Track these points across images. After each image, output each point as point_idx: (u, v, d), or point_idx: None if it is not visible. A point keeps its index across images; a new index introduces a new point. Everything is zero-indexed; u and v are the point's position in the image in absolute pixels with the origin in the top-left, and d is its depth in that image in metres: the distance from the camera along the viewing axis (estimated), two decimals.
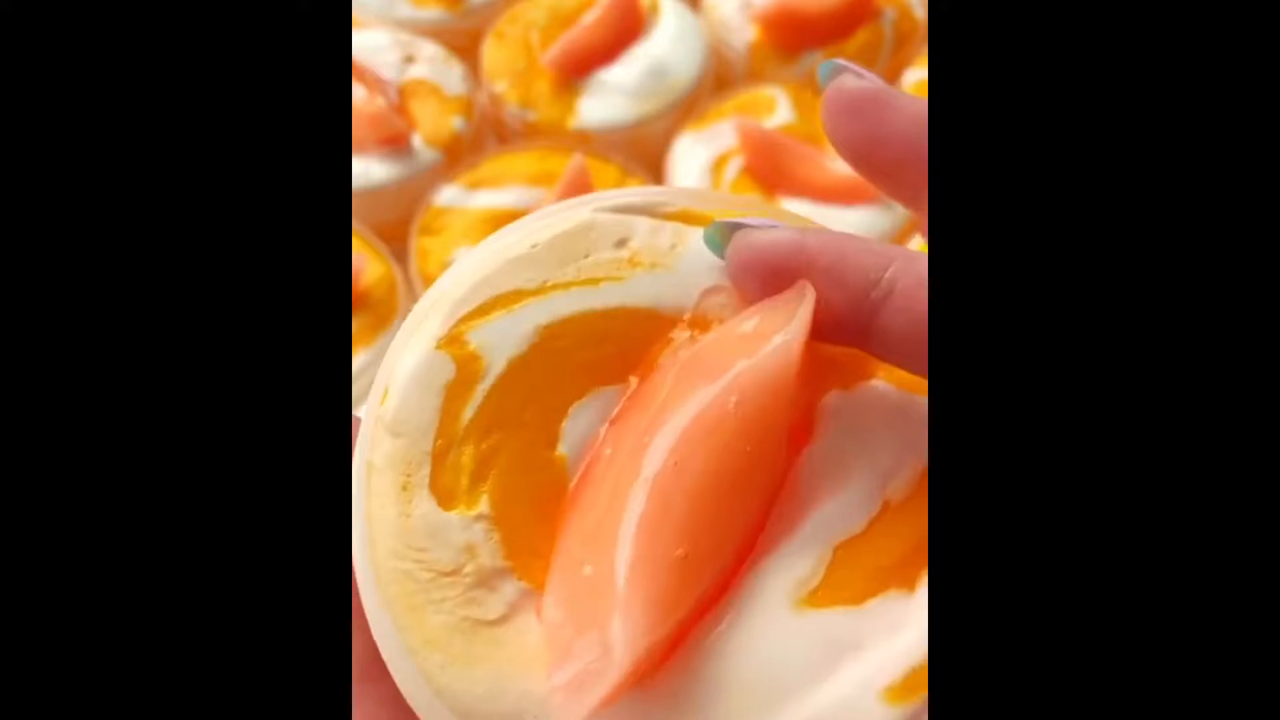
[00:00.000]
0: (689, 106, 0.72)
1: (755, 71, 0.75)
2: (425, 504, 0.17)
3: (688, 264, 0.18)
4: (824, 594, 0.18)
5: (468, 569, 0.17)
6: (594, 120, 0.70)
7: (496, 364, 0.17)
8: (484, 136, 0.74)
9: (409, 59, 0.72)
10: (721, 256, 0.18)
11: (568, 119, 0.71)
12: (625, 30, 0.73)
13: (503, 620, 0.17)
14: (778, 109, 0.71)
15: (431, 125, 0.69)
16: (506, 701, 0.17)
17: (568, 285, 0.18)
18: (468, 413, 0.17)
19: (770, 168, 0.67)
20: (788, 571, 0.17)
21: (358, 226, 0.64)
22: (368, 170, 0.66)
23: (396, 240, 0.65)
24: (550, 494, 0.17)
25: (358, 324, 0.59)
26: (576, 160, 0.64)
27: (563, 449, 0.18)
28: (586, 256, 0.18)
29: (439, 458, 0.17)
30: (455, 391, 0.17)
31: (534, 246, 0.18)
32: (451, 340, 0.17)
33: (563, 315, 0.18)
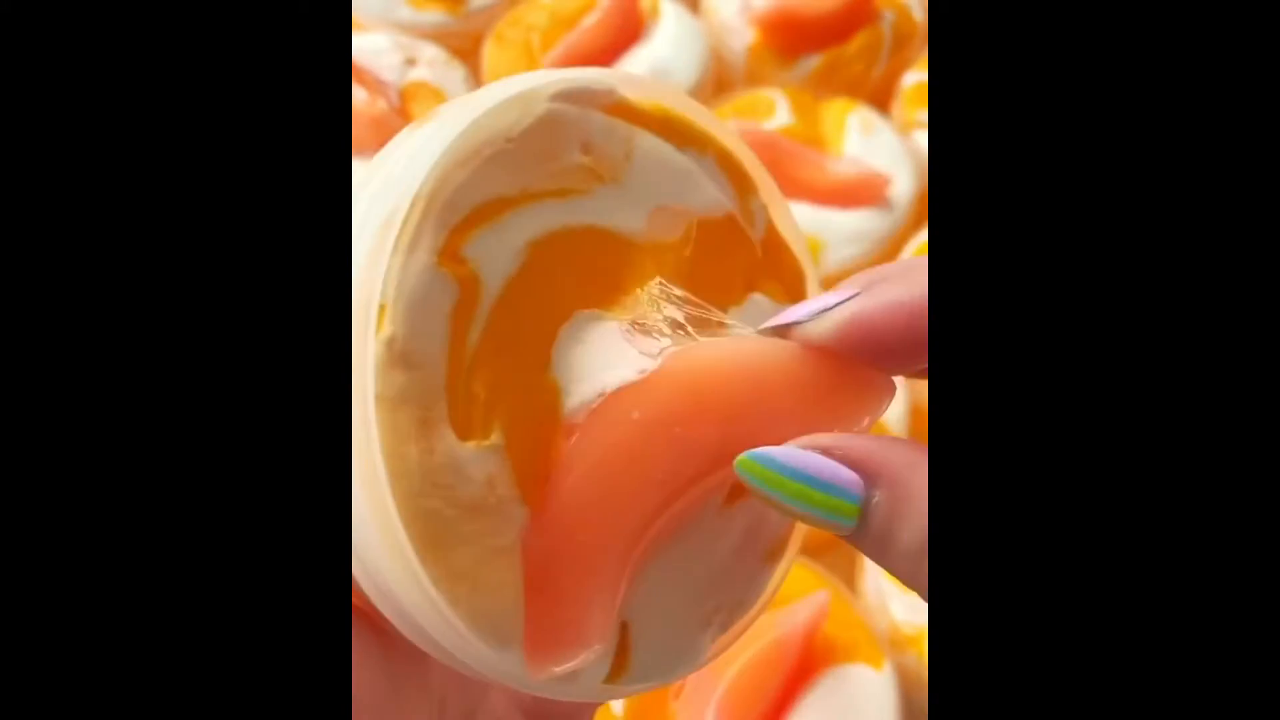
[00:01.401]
0: None
1: (754, 74, 0.75)
2: (448, 438, 0.16)
3: (638, 178, 0.18)
4: (738, 489, 0.19)
5: (490, 500, 0.17)
6: None
7: (493, 283, 0.17)
8: None
9: (410, 61, 0.72)
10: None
11: None
12: (625, 33, 0.73)
13: (514, 545, 0.17)
14: (777, 111, 0.71)
15: None
16: (520, 618, 0.17)
17: (543, 196, 0.17)
18: (473, 337, 0.16)
19: (769, 169, 0.67)
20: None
21: None
22: None
23: None
24: (547, 417, 0.17)
25: None
26: None
27: (553, 373, 0.17)
28: (553, 161, 0.17)
29: (453, 388, 0.16)
30: (460, 315, 0.16)
31: (508, 141, 0.17)
32: (449, 256, 0.16)
33: (545, 230, 0.17)
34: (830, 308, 0.19)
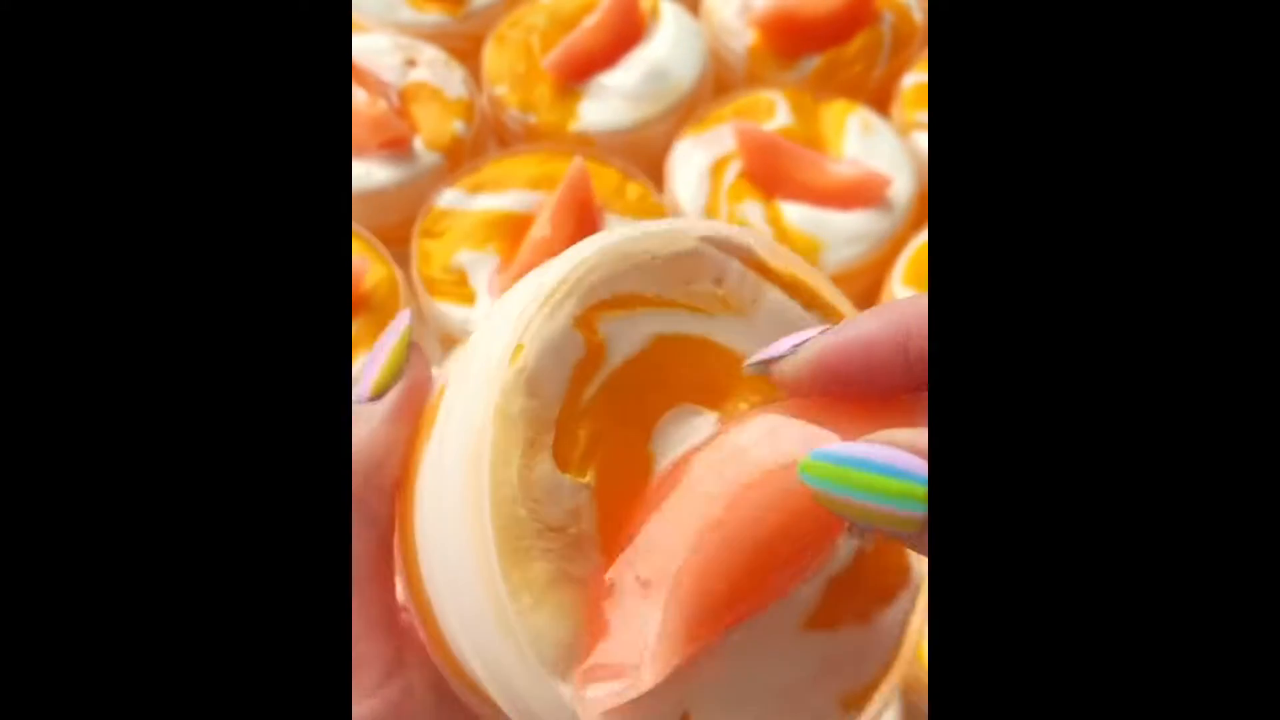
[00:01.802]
0: (689, 110, 0.73)
1: (754, 75, 0.75)
2: (547, 463, 0.19)
3: (763, 321, 0.21)
4: (821, 618, 0.21)
5: (571, 530, 0.19)
6: (594, 124, 0.71)
7: (616, 356, 0.20)
8: (485, 140, 0.74)
9: (410, 62, 0.72)
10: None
11: (568, 122, 0.71)
12: (625, 34, 0.73)
13: (586, 582, 0.19)
14: (777, 112, 0.71)
15: (433, 128, 0.69)
16: (579, 654, 0.19)
17: (675, 305, 0.20)
18: (589, 392, 0.19)
19: (769, 171, 0.67)
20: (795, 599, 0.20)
21: (360, 229, 0.64)
22: (369, 173, 0.66)
23: (398, 243, 0.65)
24: (638, 483, 0.20)
25: (360, 325, 0.59)
26: (577, 163, 0.64)
27: (651, 446, 0.20)
28: (689, 284, 0.21)
29: (562, 426, 0.19)
30: (582, 371, 0.19)
31: (653, 258, 0.20)
32: (585, 323, 0.19)
33: (671, 331, 0.20)
34: (802, 343, 0.20)
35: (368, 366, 0.22)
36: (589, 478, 0.19)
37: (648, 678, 0.18)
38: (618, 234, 0.20)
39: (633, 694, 0.18)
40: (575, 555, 0.19)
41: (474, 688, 0.21)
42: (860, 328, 0.20)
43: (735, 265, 0.21)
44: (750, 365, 0.20)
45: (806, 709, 0.21)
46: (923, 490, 0.17)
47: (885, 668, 0.22)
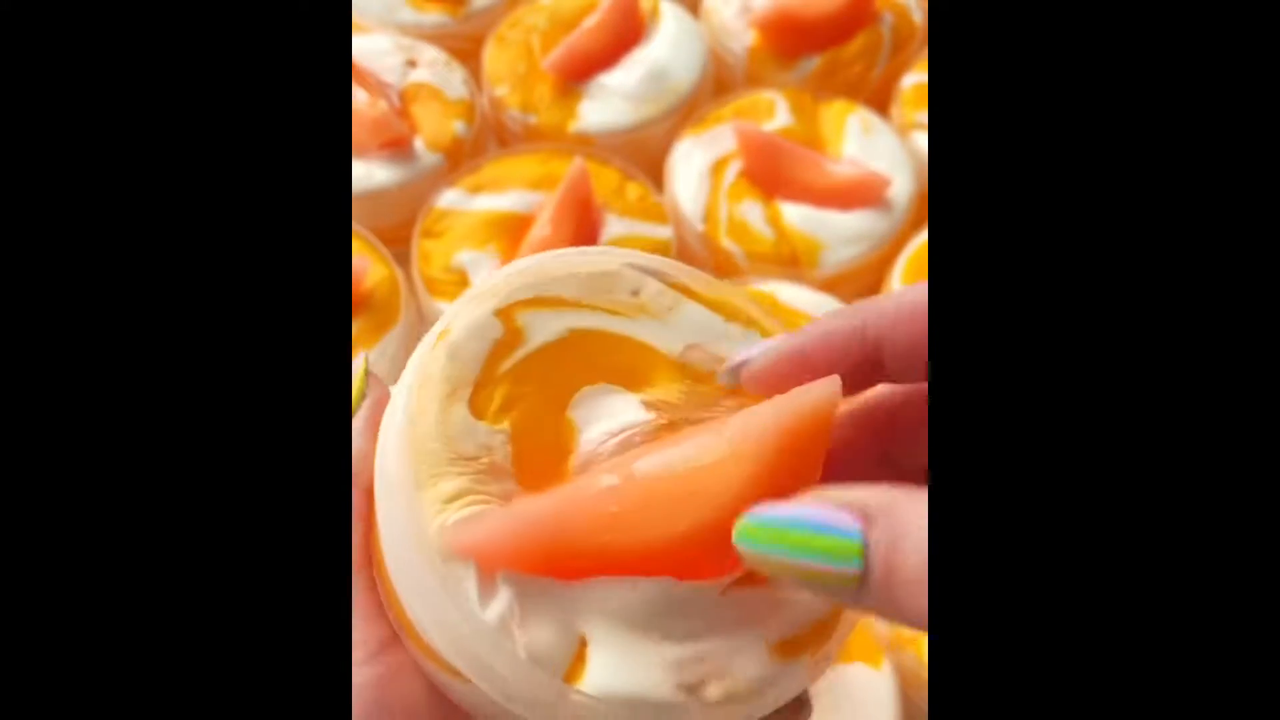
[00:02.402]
0: (689, 110, 0.73)
1: (754, 76, 0.75)
2: (462, 410, 0.22)
3: (679, 322, 0.24)
4: (741, 582, 0.22)
5: (483, 460, 0.22)
6: (594, 124, 0.71)
7: (533, 341, 0.23)
8: (485, 140, 0.74)
9: (410, 63, 0.72)
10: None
11: (568, 123, 0.71)
12: (625, 35, 0.73)
13: (497, 496, 0.22)
14: (776, 113, 0.71)
15: (433, 129, 0.69)
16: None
17: (594, 308, 0.23)
18: (505, 365, 0.23)
19: (769, 171, 0.67)
20: None
21: (360, 229, 0.64)
22: (370, 173, 0.66)
23: (399, 243, 0.65)
24: (557, 441, 0.23)
25: (361, 325, 0.60)
26: (577, 164, 0.64)
27: (571, 414, 0.23)
28: (609, 293, 0.24)
29: (479, 386, 0.22)
30: (499, 348, 0.23)
31: (574, 275, 0.23)
32: (505, 313, 0.23)
33: (588, 326, 0.23)
34: (767, 347, 0.23)
35: None
36: (504, 426, 0.22)
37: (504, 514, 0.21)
38: (549, 254, 0.24)
39: (485, 518, 0.21)
40: (487, 479, 0.21)
41: (430, 654, 0.22)
42: (819, 324, 0.22)
43: (654, 282, 0.24)
44: (722, 375, 0.23)
45: (722, 646, 0.21)
46: (858, 546, 0.18)
47: (824, 617, 0.22)
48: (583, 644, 0.21)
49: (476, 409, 0.22)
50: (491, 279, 0.24)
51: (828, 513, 0.18)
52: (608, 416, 0.23)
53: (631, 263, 0.24)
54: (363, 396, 0.25)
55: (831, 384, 0.21)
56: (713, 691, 0.21)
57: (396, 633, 0.23)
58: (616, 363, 0.23)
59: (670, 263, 0.25)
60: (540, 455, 0.22)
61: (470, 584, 0.20)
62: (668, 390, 0.23)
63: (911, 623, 0.18)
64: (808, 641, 0.22)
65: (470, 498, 0.21)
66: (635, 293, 0.24)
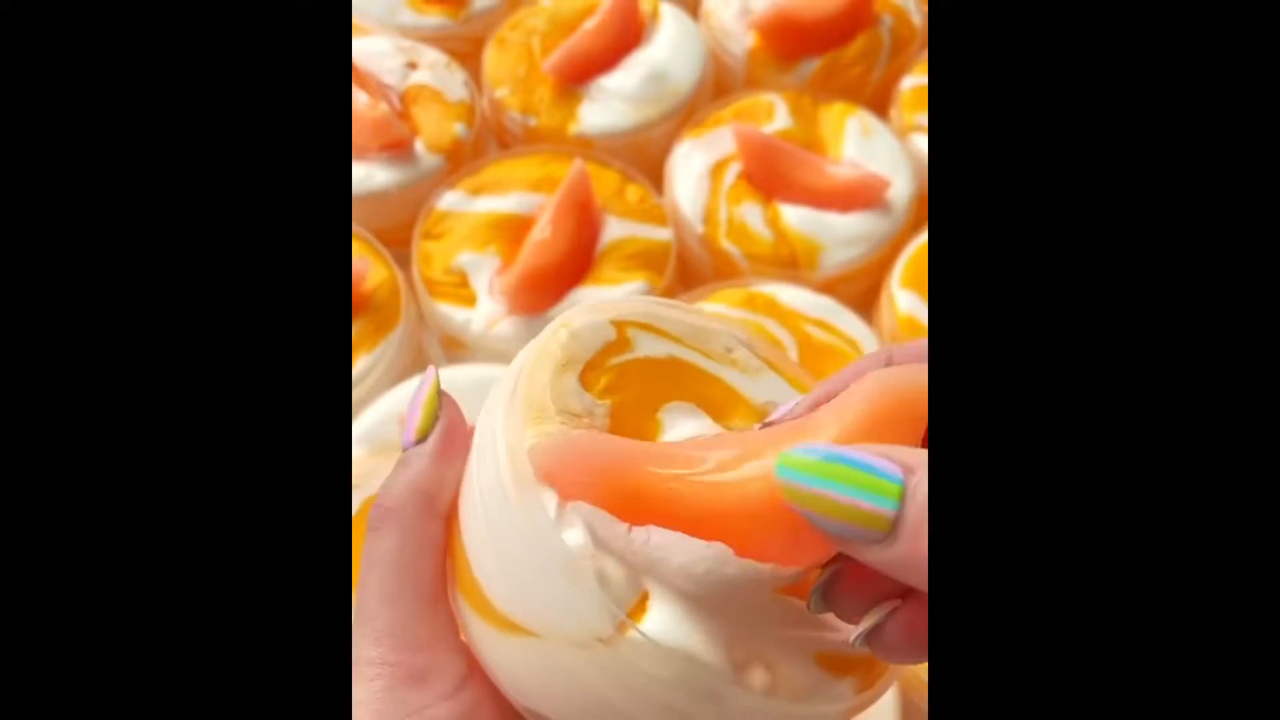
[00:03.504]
0: (688, 112, 0.73)
1: (754, 78, 0.76)
2: (573, 379, 0.24)
3: (761, 381, 0.27)
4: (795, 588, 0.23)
5: (583, 420, 0.24)
6: (594, 126, 0.71)
7: (638, 351, 0.25)
8: (485, 142, 0.74)
9: (411, 65, 0.72)
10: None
11: (568, 125, 0.71)
12: (625, 37, 0.73)
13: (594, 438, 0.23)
14: (776, 115, 0.71)
15: (434, 131, 0.69)
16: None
17: (694, 347, 0.26)
18: (613, 360, 0.25)
19: (768, 173, 0.67)
20: None
21: (361, 231, 0.64)
22: (371, 175, 0.66)
23: (399, 244, 0.65)
24: (645, 432, 0.25)
25: (362, 326, 0.60)
26: (577, 166, 0.64)
27: (660, 416, 0.25)
28: (708, 342, 0.27)
29: (590, 367, 0.24)
30: (611, 347, 0.25)
31: (681, 320, 0.26)
32: (619, 324, 0.25)
33: (687, 358, 0.26)
34: (804, 397, 0.24)
35: (409, 415, 0.25)
36: (606, 401, 0.24)
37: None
38: (662, 300, 0.27)
39: (570, 439, 0.22)
40: (584, 428, 0.23)
41: (487, 610, 0.23)
42: (850, 365, 0.23)
43: (744, 350, 0.27)
44: (763, 424, 0.25)
45: (771, 639, 0.22)
46: (897, 489, 0.18)
47: (866, 657, 0.23)
48: (644, 595, 0.21)
49: (585, 383, 0.24)
50: (608, 301, 0.27)
51: (872, 456, 0.19)
52: (691, 429, 0.25)
53: (731, 331, 0.27)
54: (435, 418, 0.25)
55: (918, 371, 0.21)
56: (758, 679, 0.21)
57: (470, 661, 0.23)
58: (705, 393, 0.26)
59: (762, 341, 0.28)
60: (630, 435, 0.24)
61: (550, 508, 0.22)
62: (746, 426, 0.25)
63: (924, 580, 0.18)
64: (855, 665, 0.23)
65: (571, 437, 0.23)
66: (729, 350, 0.27)
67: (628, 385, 0.25)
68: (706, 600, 0.21)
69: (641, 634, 0.21)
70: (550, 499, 0.22)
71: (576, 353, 0.24)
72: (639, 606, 0.21)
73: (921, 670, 0.52)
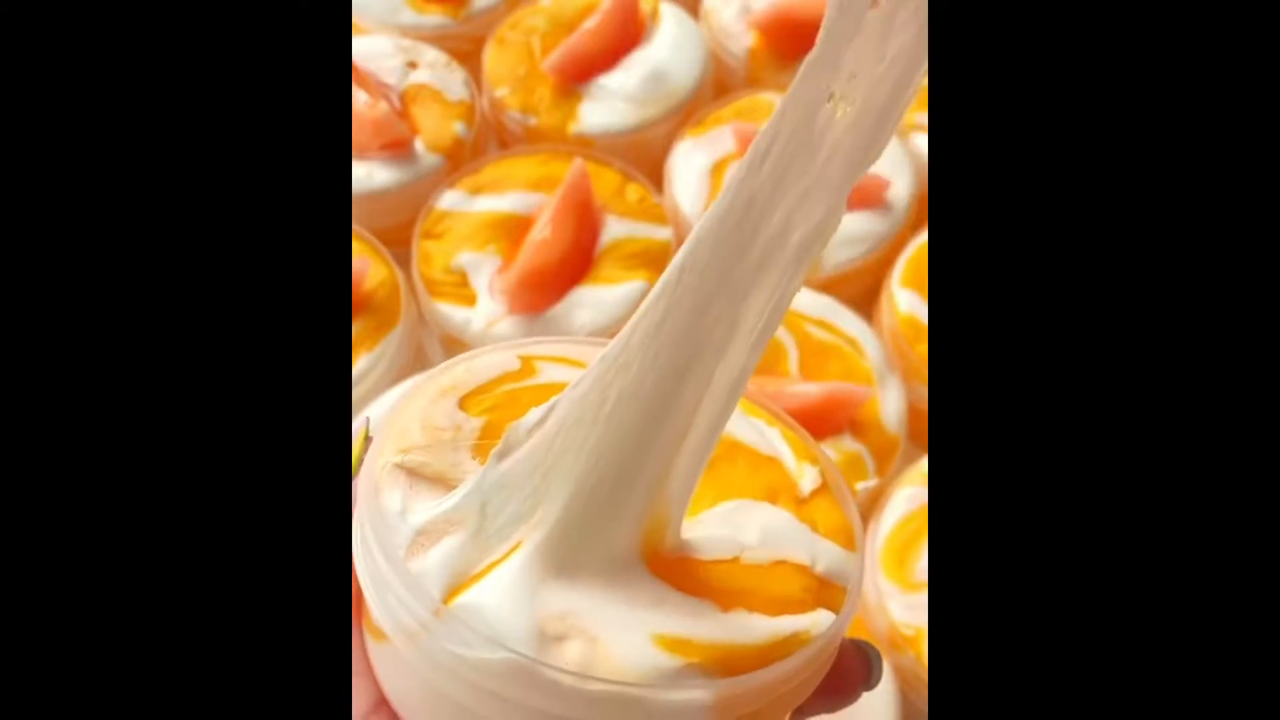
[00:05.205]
0: (689, 112, 0.73)
1: (754, 77, 0.75)
2: (450, 403, 0.25)
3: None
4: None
5: (446, 434, 0.25)
6: (594, 125, 0.71)
7: (541, 378, 0.26)
8: (485, 141, 0.74)
9: (411, 64, 0.72)
10: None
11: (568, 124, 0.71)
12: (625, 36, 0.73)
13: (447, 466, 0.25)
14: None
15: (433, 130, 0.69)
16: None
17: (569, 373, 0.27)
18: (505, 388, 0.26)
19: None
20: None
21: (360, 230, 0.64)
22: (370, 174, 0.66)
23: (399, 244, 0.65)
24: None
25: (362, 326, 0.60)
26: (577, 165, 0.64)
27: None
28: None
29: (476, 392, 0.26)
30: (507, 376, 0.26)
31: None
32: (527, 359, 0.27)
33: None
34: None
35: None
36: (479, 421, 0.25)
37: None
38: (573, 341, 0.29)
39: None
40: (444, 449, 0.24)
41: (371, 627, 0.23)
42: None
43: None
44: None
45: (605, 618, 0.22)
46: None
47: (719, 647, 0.21)
48: (474, 579, 0.22)
49: (465, 405, 0.25)
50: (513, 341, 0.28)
51: None
52: None
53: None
54: (361, 461, 0.26)
55: None
56: (573, 653, 0.21)
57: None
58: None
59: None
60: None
61: (398, 504, 0.23)
62: None
63: None
64: (705, 649, 0.21)
65: (419, 451, 0.24)
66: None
67: (516, 405, 0.25)
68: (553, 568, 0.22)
69: (453, 615, 0.21)
70: (398, 498, 0.23)
71: (462, 381, 0.26)
72: (458, 590, 0.22)
73: (922, 670, 0.52)
